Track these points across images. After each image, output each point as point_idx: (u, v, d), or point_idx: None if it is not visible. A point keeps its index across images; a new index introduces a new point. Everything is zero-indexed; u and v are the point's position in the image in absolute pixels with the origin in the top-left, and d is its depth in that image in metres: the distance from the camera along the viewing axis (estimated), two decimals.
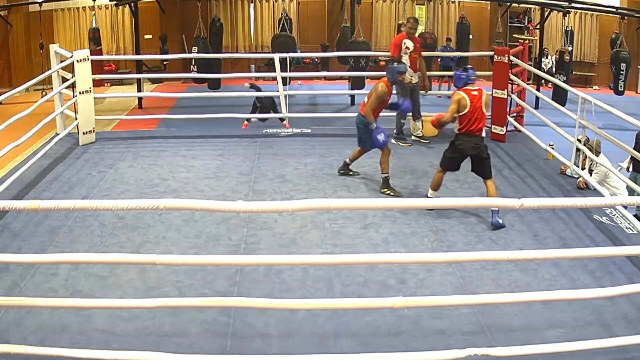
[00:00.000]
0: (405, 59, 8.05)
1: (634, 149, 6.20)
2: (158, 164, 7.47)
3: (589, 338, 3.91)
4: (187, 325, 4.21)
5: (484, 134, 5.96)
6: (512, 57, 8.31)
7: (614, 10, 14.04)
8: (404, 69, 6.77)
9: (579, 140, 6.61)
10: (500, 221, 5.71)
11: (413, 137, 8.38)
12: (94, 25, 13.86)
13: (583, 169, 6.64)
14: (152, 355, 3.65)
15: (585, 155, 6.56)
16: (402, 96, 7.85)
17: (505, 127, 8.37)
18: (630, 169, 7.02)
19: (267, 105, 9.40)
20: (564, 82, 10.38)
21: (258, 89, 9.38)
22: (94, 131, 8.36)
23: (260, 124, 9.29)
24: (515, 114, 8.73)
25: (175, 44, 14.87)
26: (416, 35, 8.37)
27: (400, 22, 14.55)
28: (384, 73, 6.69)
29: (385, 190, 6.54)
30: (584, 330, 4.16)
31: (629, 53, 12.49)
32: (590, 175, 6.55)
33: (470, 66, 6.10)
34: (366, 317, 4.29)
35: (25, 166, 6.82)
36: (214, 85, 12.02)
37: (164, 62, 14.85)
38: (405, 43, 8.09)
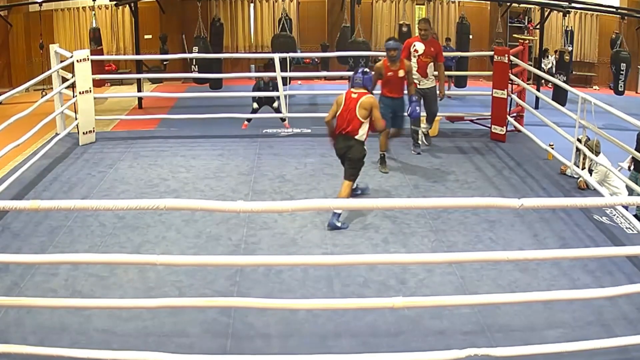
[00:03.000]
0: (414, 62, 7.56)
1: (636, 149, 6.19)
2: (158, 164, 7.47)
3: (589, 338, 3.91)
4: (187, 325, 4.21)
5: (360, 137, 5.78)
6: (512, 57, 8.29)
7: (614, 10, 14.03)
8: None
9: (579, 140, 6.61)
10: (339, 224, 5.58)
11: (421, 131, 8.01)
12: (94, 25, 13.84)
13: (583, 169, 6.64)
14: (152, 355, 3.65)
15: (585, 155, 6.55)
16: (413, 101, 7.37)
17: (505, 127, 8.36)
18: (632, 168, 7.01)
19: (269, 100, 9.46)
20: (564, 82, 10.38)
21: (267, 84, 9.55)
22: (94, 131, 8.36)
23: (260, 124, 9.28)
24: (515, 114, 8.72)
25: (175, 44, 14.87)
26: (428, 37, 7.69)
27: (400, 22, 14.56)
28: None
29: (384, 169, 7.12)
30: (584, 330, 4.16)
31: (629, 53, 12.50)
32: (590, 175, 6.55)
33: (366, 69, 5.96)
34: (366, 317, 4.29)
35: (25, 166, 6.82)
36: (216, 85, 12.03)
37: (164, 62, 14.85)
38: (414, 46, 7.61)
